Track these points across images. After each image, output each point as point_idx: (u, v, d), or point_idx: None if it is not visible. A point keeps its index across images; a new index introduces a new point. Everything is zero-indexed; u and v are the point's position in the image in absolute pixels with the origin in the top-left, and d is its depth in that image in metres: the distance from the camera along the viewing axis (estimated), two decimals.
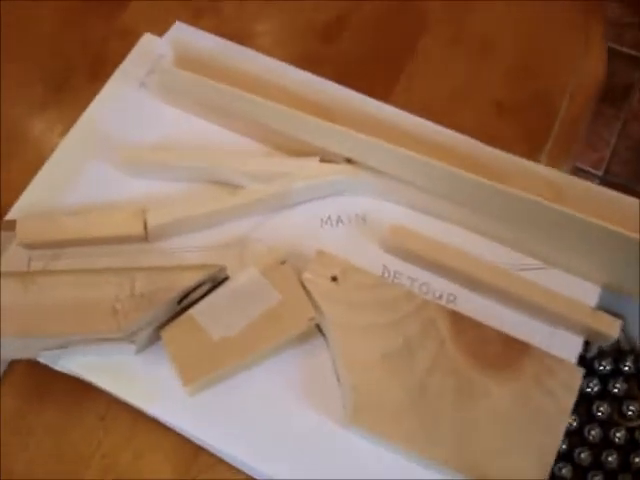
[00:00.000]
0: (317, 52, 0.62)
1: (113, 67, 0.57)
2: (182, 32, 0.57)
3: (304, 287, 0.46)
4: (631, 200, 0.50)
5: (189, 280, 0.44)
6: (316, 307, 0.46)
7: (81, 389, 0.47)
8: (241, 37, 0.59)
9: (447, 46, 0.62)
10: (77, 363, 0.46)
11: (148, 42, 0.58)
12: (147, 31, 0.59)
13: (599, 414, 0.49)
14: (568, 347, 0.48)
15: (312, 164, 0.51)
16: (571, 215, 0.47)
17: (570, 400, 0.44)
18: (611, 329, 0.47)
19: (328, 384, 0.46)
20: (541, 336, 0.48)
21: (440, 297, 0.49)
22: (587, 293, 0.49)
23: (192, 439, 0.46)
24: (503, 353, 0.45)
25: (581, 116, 0.59)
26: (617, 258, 0.48)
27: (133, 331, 0.44)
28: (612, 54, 0.62)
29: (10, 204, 0.52)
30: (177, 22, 0.58)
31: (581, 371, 0.45)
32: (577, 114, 0.59)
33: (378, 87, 0.57)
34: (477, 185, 0.48)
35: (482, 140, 0.52)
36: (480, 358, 0.45)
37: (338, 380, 0.46)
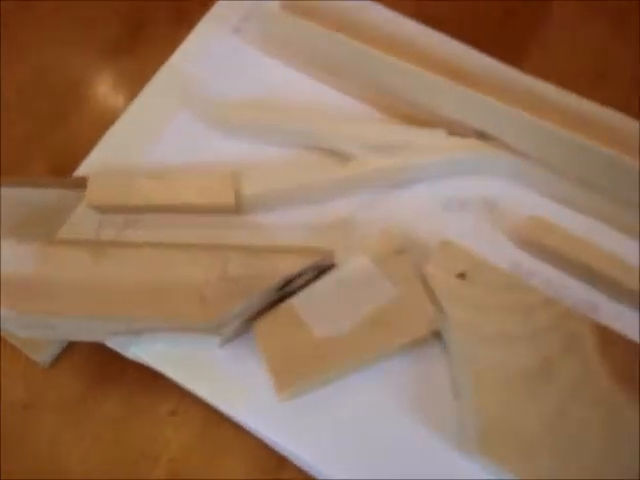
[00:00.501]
0: (432, 12, 0.56)
1: (201, 11, 0.53)
2: None
3: (425, 283, 0.41)
4: None
5: (293, 266, 0.38)
6: (437, 308, 0.40)
7: (150, 378, 0.43)
8: None
9: (587, 9, 0.57)
10: (150, 352, 0.42)
11: None
12: None
13: None
14: None
15: (438, 136, 0.46)
16: None
17: None
18: None
19: (441, 399, 0.40)
20: None
21: (577, 305, 0.43)
22: None
23: (276, 447, 0.41)
24: None
25: None
26: None
27: (222, 322, 0.38)
28: None
29: (77, 160, 0.48)
30: None
31: None
32: None
33: (504, 56, 0.50)
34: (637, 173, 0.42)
35: None
36: (632, 382, 0.39)
37: (454, 395, 0.40)
